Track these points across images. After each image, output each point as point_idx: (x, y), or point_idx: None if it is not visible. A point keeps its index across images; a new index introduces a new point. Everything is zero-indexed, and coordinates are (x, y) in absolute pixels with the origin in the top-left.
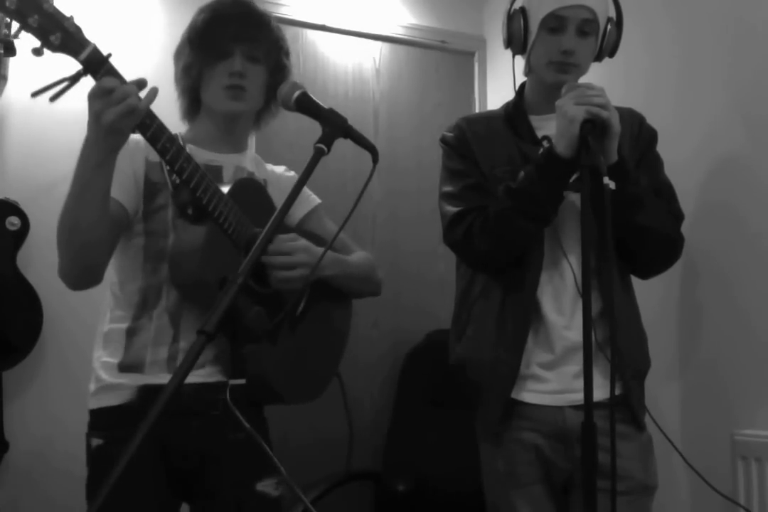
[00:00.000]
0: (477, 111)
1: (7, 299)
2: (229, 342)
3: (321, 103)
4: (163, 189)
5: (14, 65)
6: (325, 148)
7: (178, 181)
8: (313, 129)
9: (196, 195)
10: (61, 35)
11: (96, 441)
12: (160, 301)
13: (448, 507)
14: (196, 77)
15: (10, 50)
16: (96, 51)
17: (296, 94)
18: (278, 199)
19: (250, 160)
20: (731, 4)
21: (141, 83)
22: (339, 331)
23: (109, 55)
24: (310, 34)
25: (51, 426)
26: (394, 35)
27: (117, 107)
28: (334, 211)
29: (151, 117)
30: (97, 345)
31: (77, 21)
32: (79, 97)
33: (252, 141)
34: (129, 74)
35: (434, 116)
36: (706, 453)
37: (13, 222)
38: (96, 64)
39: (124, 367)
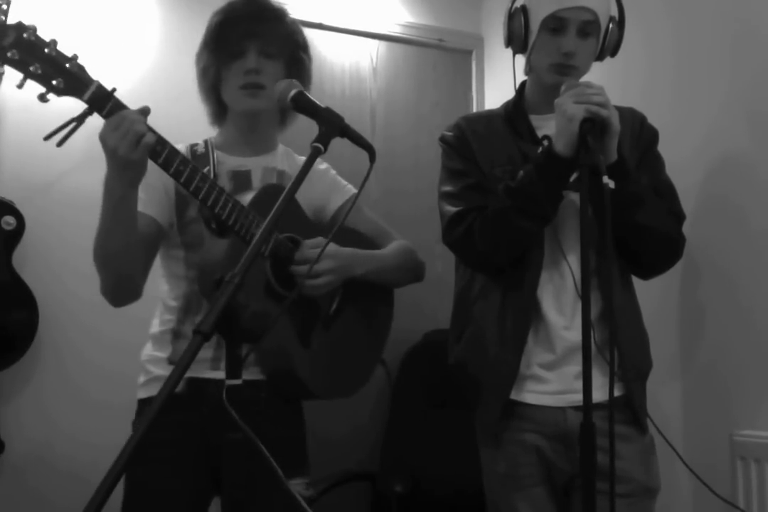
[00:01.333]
0: (474, 109)
1: (2, 299)
2: (226, 342)
3: (318, 102)
4: (192, 201)
5: (78, 61)
6: (322, 147)
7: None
8: (309, 128)
9: (215, 212)
10: (64, 79)
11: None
12: (201, 308)
13: (446, 508)
14: (214, 79)
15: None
16: (100, 88)
17: (292, 92)
18: (310, 193)
19: (280, 157)
20: (731, 3)
21: (144, 111)
22: (381, 324)
23: (114, 90)
24: (307, 32)
25: (47, 426)
26: (392, 33)
27: (127, 137)
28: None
29: (162, 143)
30: (147, 345)
31: (81, 59)
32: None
33: None
34: (127, 73)
35: (431, 115)
36: (705, 454)
37: (8, 221)
38: (101, 101)
39: (172, 361)
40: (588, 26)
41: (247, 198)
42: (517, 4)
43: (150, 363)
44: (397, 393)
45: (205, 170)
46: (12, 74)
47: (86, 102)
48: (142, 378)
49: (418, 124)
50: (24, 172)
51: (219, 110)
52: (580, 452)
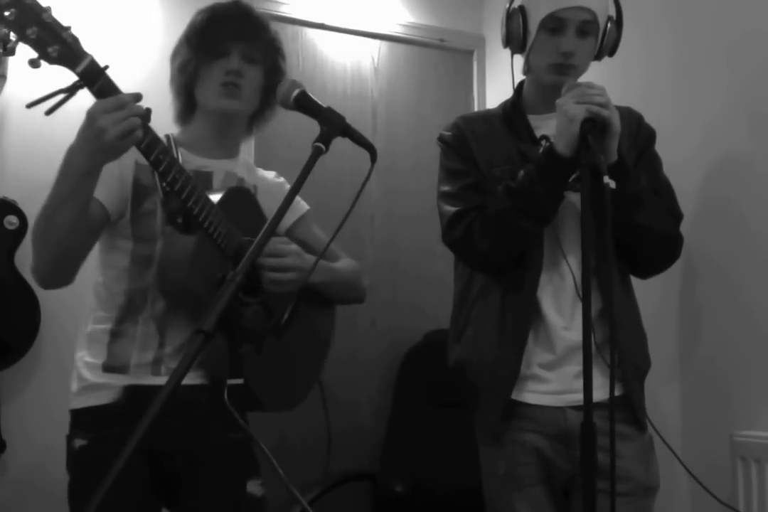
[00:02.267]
0: (476, 110)
1: (4, 298)
2: (227, 342)
3: (319, 102)
4: (152, 193)
5: (13, 64)
6: (324, 147)
7: (169, 189)
8: (311, 128)
9: (187, 205)
10: (59, 47)
11: (79, 442)
12: (146, 307)
13: (446, 508)
14: (192, 75)
15: (10, 49)
16: (93, 63)
17: (295, 92)
18: (268, 206)
19: (241, 165)
20: (731, 2)
21: (138, 97)
22: (323, 339)
23: (107, 66)
24: (309, 32)
25: (48, 425)
26: (393, 34)
27: (121, 125)
28: (332, 210)
29: (146, 129)
30: (80, 345)
31: (75, 30)
32: (78, 96)
33: (251, 144)
34: (128, 73)
35: (433, 115)
36: (705, 454)
37: (11, 221)
38: (93, 75)
39: (108, 368)
40: (587, 26)
41: (211, 196)
42: (515, 5)
43: (84, 369)
44: (398, 393)
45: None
46: (13, 76)
47: (78, 74)
48: (75, 386)
49: (419, 124)
50: (27, 172)
51: (188, 107)
52: (581, 451)
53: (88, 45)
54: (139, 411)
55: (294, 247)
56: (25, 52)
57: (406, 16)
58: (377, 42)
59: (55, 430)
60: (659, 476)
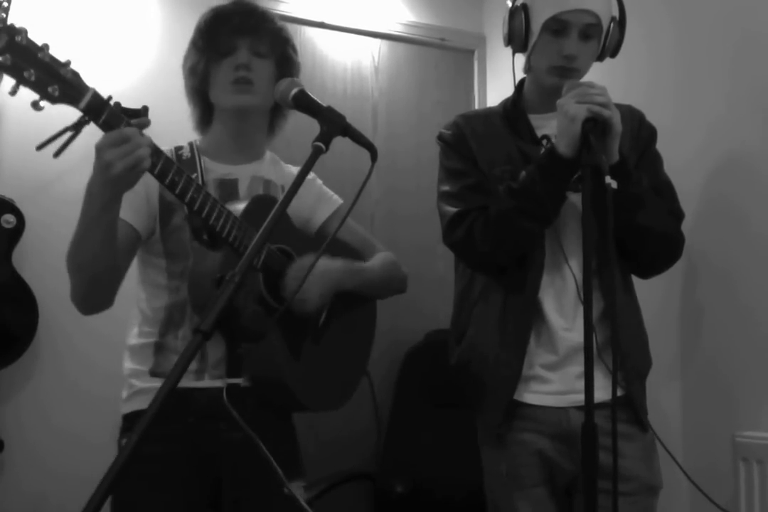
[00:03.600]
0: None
1: (2, 298)
2: (226, 341)
3: (319, 101)
4: (178, 209)
5: (71, 67)
6: (324, 146)
7: (188, 209)
8: (311, 127)
9: (209, 224)
10: (60, 86)
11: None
12: (185, 320)
13: (446, 508)
14: (203, 77)
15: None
16: (96, 96)
17: (294, 91)
18: (297, 205)
19: (267, 166)
20: (733, 0)
21: (144, 124)
22: (365, 334)
23: (110, 97)
24: (309, 31)
25: (46, 425)
26: (393, 33)
27: (127, 159)
28: None
29: (157, 153)
30: (126, 358)
31: (75, 65)
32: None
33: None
34: (128, 72)
35: (433, 114)
36: (707, 455)
37: (8, 220)
38: (97, 109)
39: (155, 373)
40: (590, 29)
41: (233, 207)
42: (518, 3)
43: (132, 377)
44: (399, 393)
45: (193, 177)
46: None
47: (82, 110)
48: (125, 393)
49: (420, 123)
50: (24, 171)
51: (206, 112)
52: (582, 451)
53: (88, 45)
54: (186, 413)
55: (318, 264)
56: None
57: (407, 15)
58: (378, 41)
59: (52, 430)
60: (662, 475)
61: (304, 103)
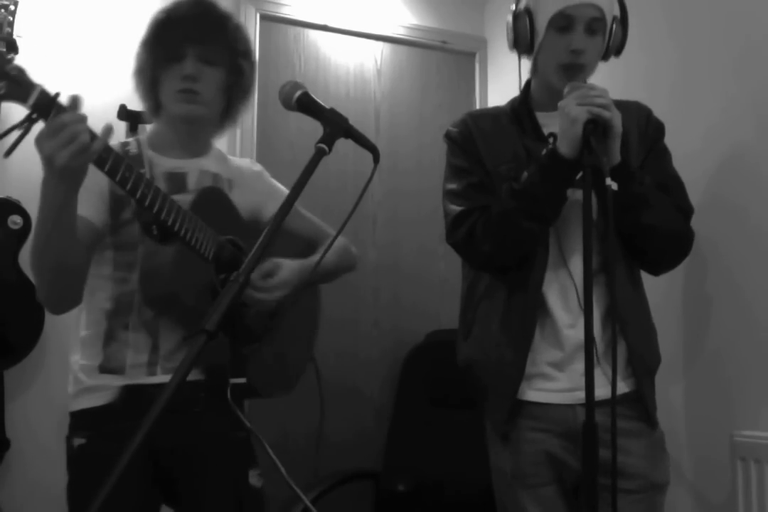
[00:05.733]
0: None
1: (8, 298)
2: (230, 341)
3: (322, 103)
4: (128, 203)
5: (16, 63)
6: (327, 148)
7: (139, 205)
8: (314, 129)
9: (160, 218)
10: (6, 83)
11: (78, 441)
12: (133, 311)
13: (449, 508)
14: (151, 80)
15: (12, 48)
16: (43, 93)
17: (297, 93)
18: (246, 199)
19: (214, 160)
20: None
21: (84, 118)
22: (310, 317)
23: (57, 94)
24: (312, 34)
25: (52, 424)
26: (396, 35)
27: (68, 148)
28: (334, 212)
29: (107, 149)
30: (74, 349)
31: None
32: (84, 94)
33: (253, 144)
34: (127, 70)
35: (435, 116)
36: (706, 454)
37: (15, 221)
38: (46, 106)
39: (104, 369)
40: (595, 23)
41: (182, 199)
42: (521, 6)
43: (80, 372)
44: (401, 392)
45: (142, 172)
46: None
47: (30, 108)
48: (71, 389)
49: (422, 125)
50: (30, 171)
51: (157, 106)
52: (583, 449)
53: (88, 45)
54: (137, 410)
55: (277, 280)
56: (27, 50)
57: (409, 18)
58: (380, 44)
59: (59, 429)
60: (669, 472)
61: (308, 106)
